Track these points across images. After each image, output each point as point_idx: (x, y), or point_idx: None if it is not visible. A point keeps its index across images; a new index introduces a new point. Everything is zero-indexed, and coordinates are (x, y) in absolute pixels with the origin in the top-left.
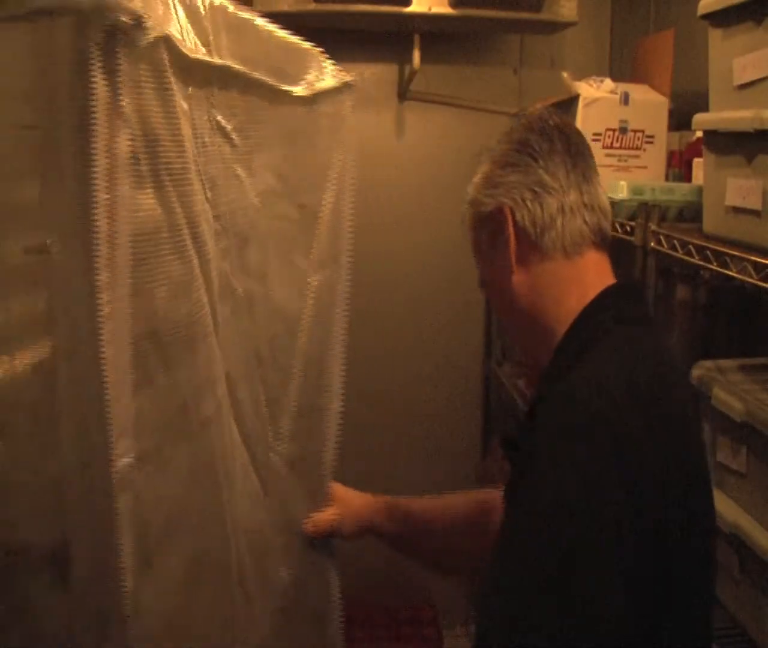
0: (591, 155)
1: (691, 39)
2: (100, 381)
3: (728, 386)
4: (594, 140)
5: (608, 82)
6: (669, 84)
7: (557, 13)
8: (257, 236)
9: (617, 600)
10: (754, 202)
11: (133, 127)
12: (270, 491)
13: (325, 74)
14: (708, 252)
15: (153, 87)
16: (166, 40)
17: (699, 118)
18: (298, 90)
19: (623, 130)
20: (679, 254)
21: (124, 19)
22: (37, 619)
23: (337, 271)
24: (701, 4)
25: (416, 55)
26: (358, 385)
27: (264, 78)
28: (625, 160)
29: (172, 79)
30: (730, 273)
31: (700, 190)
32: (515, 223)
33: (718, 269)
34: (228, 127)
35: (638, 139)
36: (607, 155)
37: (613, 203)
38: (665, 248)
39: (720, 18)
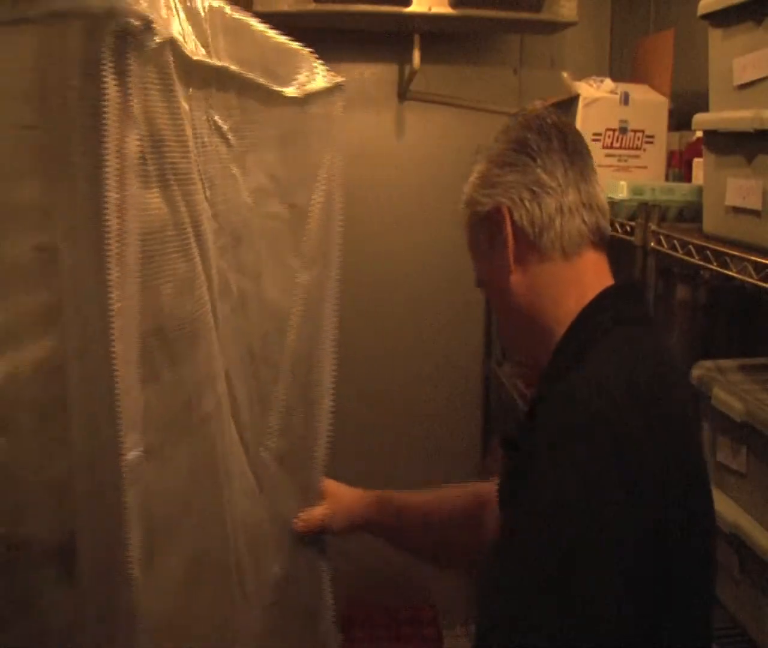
0: (589, 153)
1: (691, 39)
2: (110, 376)
3: (728, 386)
4: (594, 140)
5: (608, 82)
6: (669, 84)
7: (557, 13)
8: (249, 235)
9: (617, 600)
10: (754, 202)
11: (140, 128)
12: (263, 487)
13: (316, 76)
14: (708, 252)
15: (159, 88)
16: (171, 43)
17: (699, 118)
18: (290, 91)
19: (623, 130)
20: (679, 254)
21: (135, 22)
22: (42, 614)
23: (327, 269)
24: (701, 4)
25: (416, 55)
26: (358, 385)
27: (259, 79)
28: (625, 160)
29: (176, 81)
30: (730, 273)
31: (700, 190)
32: (513, 223)
33: (718, 269)
34: (224, 127)
35: (638, 139)
36: (607, 155)
37: (613, 203)
38: (665, 248)
39: (720, 18)
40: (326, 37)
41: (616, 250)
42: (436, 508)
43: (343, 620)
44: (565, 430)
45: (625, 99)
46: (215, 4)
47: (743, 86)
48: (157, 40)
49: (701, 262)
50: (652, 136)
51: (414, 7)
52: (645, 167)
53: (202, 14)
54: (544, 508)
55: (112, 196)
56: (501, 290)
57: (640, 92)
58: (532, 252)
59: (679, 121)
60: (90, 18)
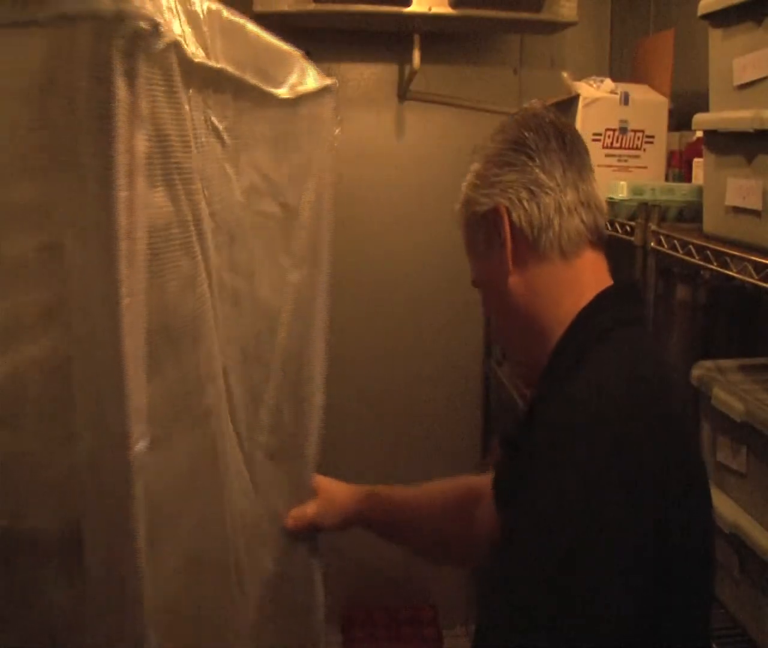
0: (586, 152)
1: (691, 39)
2: (119, 369)
3: (728, 386)
4: (594, 140)
5: (608, 82)
6: (669, 84)
7: (557, 13)
8: (242, 233)
9: (617, 600)
10: (754, 202)
11: (147, 128)
12: (256, 484)
13: (307, 77)
14: (708, 252)
15: (163, 90)
16: (175, 45)
17: (699, 118)
18: (282, 92)
19: (623, 130)
20: (679, 254)
21: (144, 25)
22: (47, 607)
23: (317, 267)
24: (701, 4)
25: (416, 55)
26: (358, 385)
27: (253, 81)
28: (625, 160)
29: (180, 82)
30: (730, 273)
31: (700, 190)
32: (512, 223)
33: (718, 269)
34: (220, 127)
35: (638, 139)
36: (607, 155)
37: (613, 203)
38: (665, 248)
39: (720, 18)
40: (326, 37)
41: (616, 250)
42: (428, 502)
43: (343, 620)
44: (566, 430)
45: (625, 99)
46: (213, 7)
47: (743, 86)
48: (164, 42)
49: (701, 262)
50: (652, 136)
51: (414, 7)
52: (645, 167)
53: (201, 16)
54: (544, 508)
55: (123, 195)
56: (499, 291)
57: (640, 92)
58: (531, 252)
59: (679, 121)
60: (99, 21)
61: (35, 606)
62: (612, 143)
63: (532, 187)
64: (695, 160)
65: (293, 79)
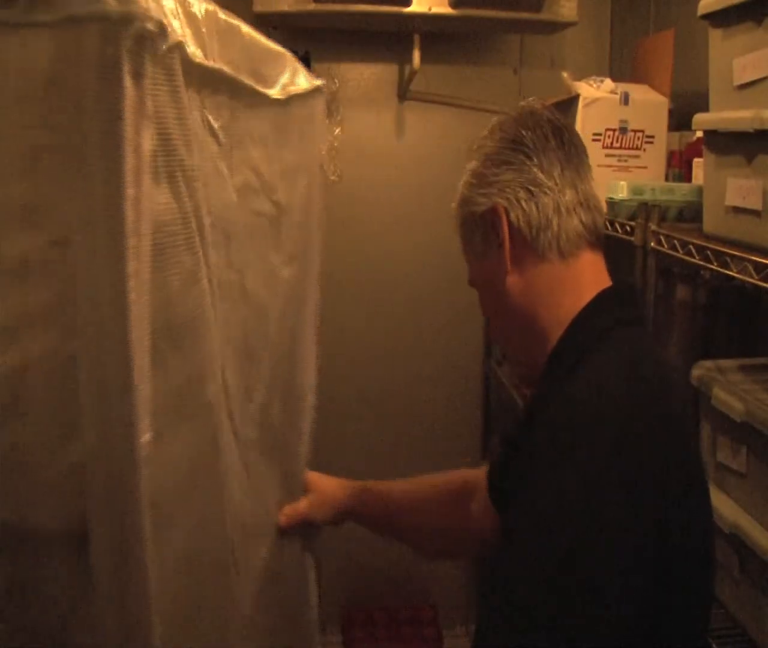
0: (584, 150)
1: (691, 39)
2: (126, 362)
3: (728, 386)
4: (594, 140)
5: (608, 82)
6: (669, 84)
7: (557, 13)
8: (236, 231)
9: (617, 600)
10: (754, 202)
11: (152, 127)
12: (249, 479)
13: (298, 78)
14: (708, 252)
15: (167, 89)
16: (179, 46)
17: (699, 118)
18: (274, 92)
19: (623, 130)
20: (680, 254)
21: (151, 27)
22: (53, 601)
23: (308, 266)
24: (701, 4)
25: (416, 55)
26: (358, 385)
27: (247, 81)
28: (625, 160)
29: (182, 82)
30: (731, 273)
31: (700, 190)
32: (510, 223)
33: (719, 269)
34: (215, 126)
35: (638, 139)
36: (607, 155)
37: (613, 203)
38: (665, 248)
39: (720, 18)
40: (326, 37)
41: (616, 250)
42: (422, 496)
43: (343, 620)
44: (566, 430)
45: (625, 99)
46: (210, 8)
47: (743, 86)
48: (169, 43)
49: (701, 262)
50: (652, 136)
51: (414, 7)
52: (645, 167)
53: (200, 17)
54: (545, 508)
55: (131, 192)
56: (497, 291)
57: (640, 92)
58: (529, 253)
59: (679, 121)
60: (107, 23)
61: (40, 601)
62: (612, 143)
63: (531, 187)
64: (695, 160)
65: (285, 79)
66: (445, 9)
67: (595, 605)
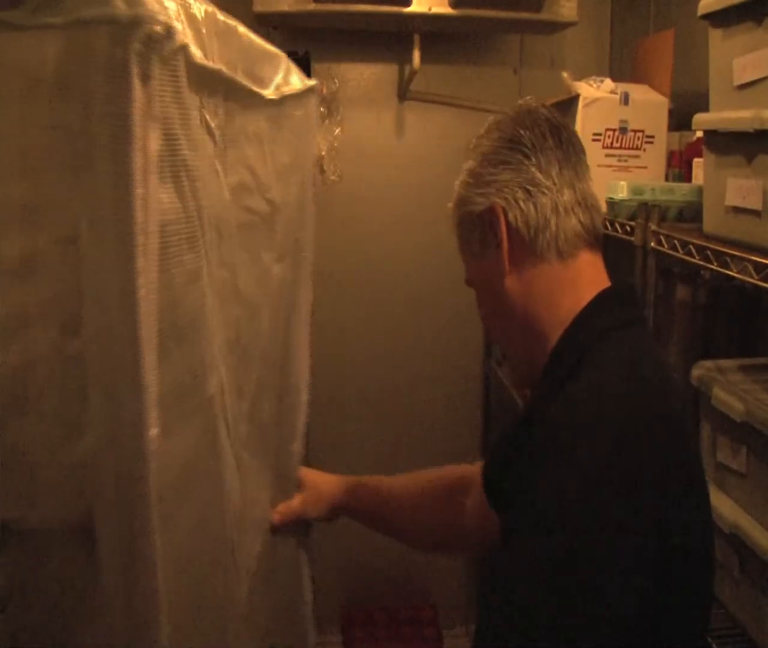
0: (582, 149)
1: (691, 39)
2: (136, 358)
3: (728, 386)
4: (594, 140)
5: (608, 82)
6: (669, 84)
7: (557, 13)
8: (228, 229)
9: (617, 600)
10: (754, 202)
11: (159, 127)
12: (243, 476)
13: (291, 78)
14: (708, 252)
15: (172, 90)
16: (183, 48)
17: (699, 118)
18: (268, 92)
19: (623, 130)
20: (680, 254)
21: (159, 29)
22: (60, 596)
23: (301, 264)
24: (701, 4)
25: (416, 55)
26: (358, 385)
27: (244, 81)
28: (625, 160)
29: (186, 83)
30: (731, 273)
31: (700, 190)
32: (508, 223)
33: (719, 269)
34: (212, 125)
35: (638, 139)
36: (607, 155)
37: (613, 203)
38: (665, 248)
39: (720, 18)
40: (326, 37)
41: (616, 250)
42: (417, 491)
43: (343, 620)
44: (566, 430)
45: (625, 99)
46: (209, 9)
47: (743, 86)
48: (175, 45)
49: (701, 262)
50: (652, 136)
51: (414, 7)
52: (645, 167)
53: (200, 19)
54: (545, 508)
55: (139, 191)
56: (495, 291)
57: (640, 92)
58: (527, 253)
59: (679, 121)
60: (115, 25)
61: (47, 595)
62: (612, 143)
63: (529, 187)
64: (695, 160)
65: (279, 79)
66: (445, 9)
67: (595, 605)
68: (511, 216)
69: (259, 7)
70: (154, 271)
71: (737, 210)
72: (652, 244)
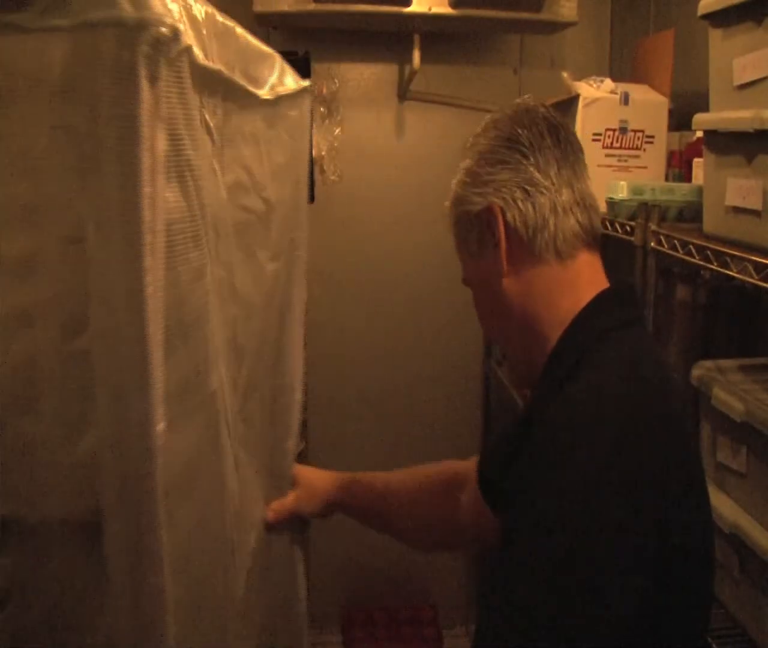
0: (580, 148)
1: (691, 39)
2: (143, 355)
3: (728, 386)
4: (594, 140)
5: (608, 82)
6: (669, 84)
7: (557, 13)
8: (224, 228)
9: (617, 600)
10: (754, 202)
11: (165, 127)
12: (240, 473)
13: (286, 79)
14: (708, 252)
15: (177, 91)
16: (188, 50)
17: (699, 118)
18: (264, 93)
19: (623, 130)
20: (680, 254)
21: (165, 32)
22: (67, 593)
23: (295, 261)
24: (701, 4)
25: (416, 55)
26: (358, 385)
27: (241, 81)
28: (625, 160)
29: (190, 84)
30: (731, 273)
31: (700, 190)
32: (506, 223)
33: (719, 269)
34: (211, 124)
35: (638, 139)
36: (607, 155)
37: (613, 203)
38: (665, 248)
39: (720, 18)
40: (326, 37)
41: (616, 250)
42: (412, 487)
43: (343, 620)
44: (566, 430)
45: (625, 99)
46: (209, 10)
47: (743, 86)
48: (180, 47)
49: (701, 262)
50: (652, 136)
51: (414, 7)
52: (645, 167)
53: (200, 20)
54: (545, 508)
55: (147, 191)
56: (493, 291)
57: (640, 92)
58: (526, 254)
59: (679, 121)
60: (122, 28)
61: (47, 595)
62: (612, 143)
63: (527, 187)
64: (695, 160)
65: (273, 79)
66: (445, 9)
67: (595, 605)
68: (509, 216)
69: (259, 7)
70: (161, 269)
71: (737, 210)
72: (652, 244)
